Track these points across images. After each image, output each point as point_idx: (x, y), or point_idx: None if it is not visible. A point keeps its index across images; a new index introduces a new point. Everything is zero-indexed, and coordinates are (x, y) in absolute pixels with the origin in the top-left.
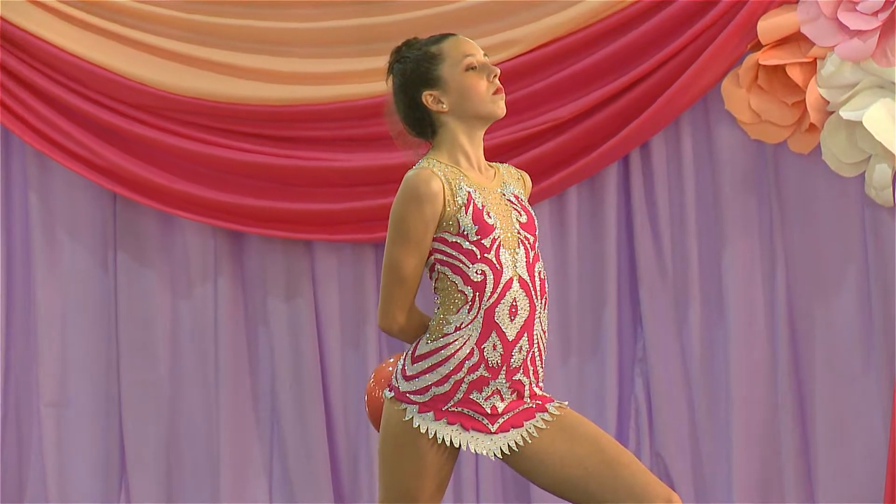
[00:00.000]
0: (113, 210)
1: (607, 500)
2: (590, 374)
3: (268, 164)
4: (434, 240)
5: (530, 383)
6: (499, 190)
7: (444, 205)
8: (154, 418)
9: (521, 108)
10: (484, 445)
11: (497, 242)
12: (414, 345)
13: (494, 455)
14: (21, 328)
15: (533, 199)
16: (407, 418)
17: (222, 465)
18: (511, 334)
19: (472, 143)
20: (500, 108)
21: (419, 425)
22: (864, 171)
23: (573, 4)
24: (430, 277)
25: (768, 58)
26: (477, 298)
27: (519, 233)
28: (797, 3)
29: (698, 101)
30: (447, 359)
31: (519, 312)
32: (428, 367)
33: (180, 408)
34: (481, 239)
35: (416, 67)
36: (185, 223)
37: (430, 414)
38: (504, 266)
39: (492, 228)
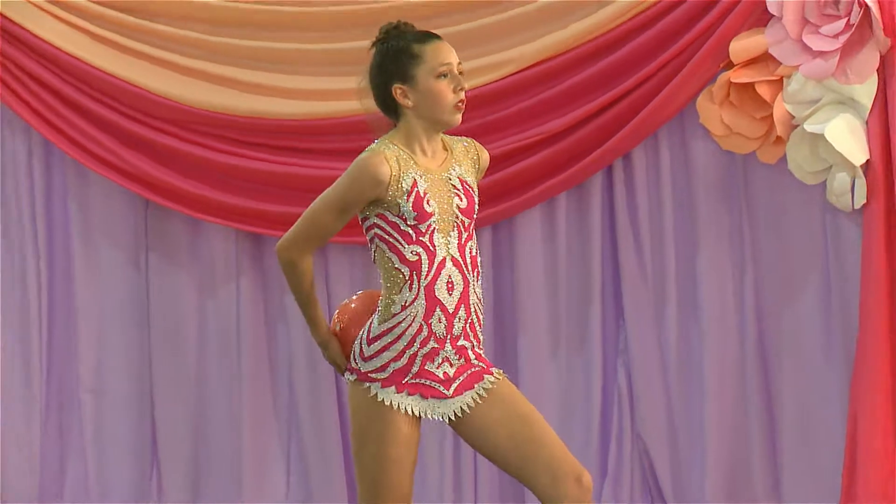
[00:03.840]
0: (144, 215)
1: (525, 472)
2: (577, 364)
3: (284, 172)
4: (376, 216)
5: (472, 346)
6: (445, 174)
7: (388, 189)
8: (182, 406)
9: (515, 122)
10: (441, 411)
11: (432, 228)
12: (367, 328)
13: (449, 419)
14: (62, 323)
15: (525, 205)
16: (372, 394)
17: (244, 449)
18: (451, 306)
19: (428, 139)
20: (457, 120)
21: (383, 399)
22: (826, 180)
23: (561, 28)
24: (370, 249)
25: (739, 76)
26: (415, 277)
27: (456, 217)
28: (766, 26)
29: (675, 115)
30: (399, 336)
31: (455, 287)
32: (383, 346)
33: (206, 396)
34: (418, 224)
35: (395, 58)
36: (210, 227)
37: (392, 388)
38: (437, 248)
39: (430, 216)
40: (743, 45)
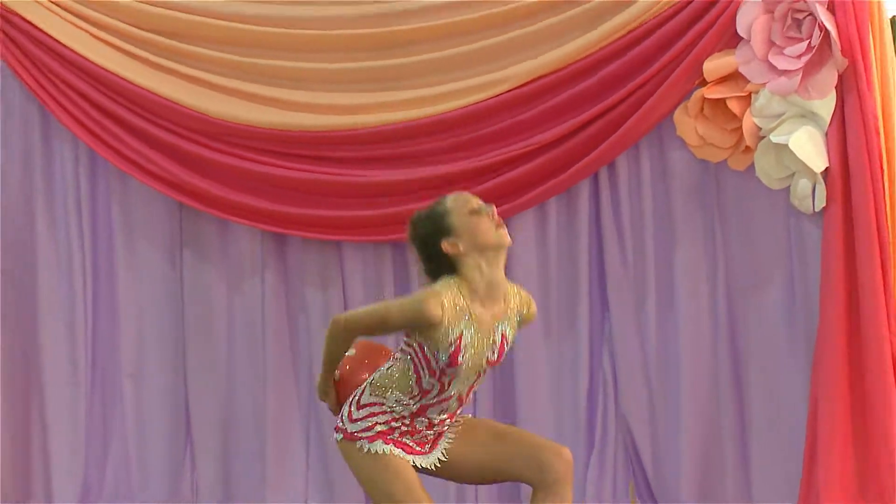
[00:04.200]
0: (179, 217)
1: (514, 471)
2: (567, 350)
3: (303, 178)
4: (416, 341)
5: (447, 423)
6: (493, 327)
7: (435, 329)
8: (212, 389)
9: (511, 134)
10: (425, 462)
11: (455, 377)
12: (359, 394)
13: (434, 466)
14: (106, 313)
15: (520, 209)
16: (364, 451)
17: (268, 426)
18: (436, 420)
19: (492, 270)
20: (506, 238)
21: (373, 450)
22: (790, 185)
23: (552, 50)
24: (401, 348)
25: (712, 92)
26: (420, 396)
27: (481, 367)
28: (735, 48)
29: (654, 128)
30: (386, 412)
31: (447, 411)
32: (370, 413)
33: (234, 380)
34: (445, 369)
35: (431, 224)
36: (238, 227)
37: (379, 441)
38: (450, 389)
39: (458, 367)
40: (715, 65)
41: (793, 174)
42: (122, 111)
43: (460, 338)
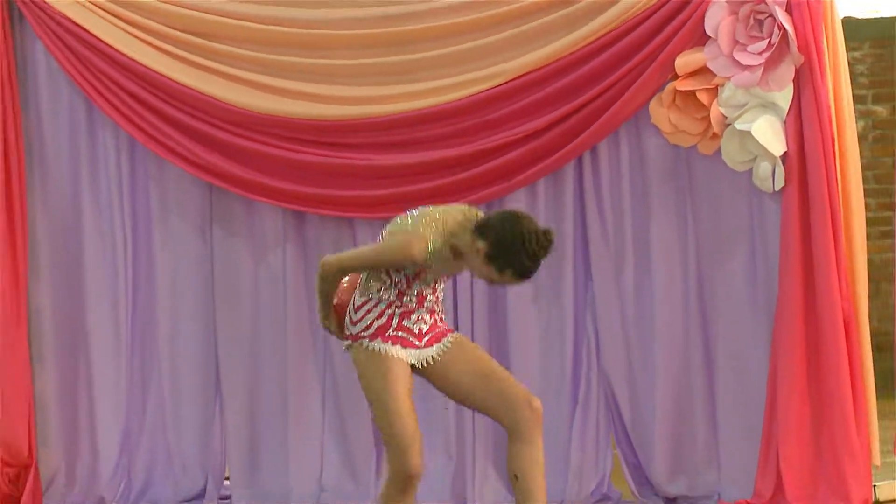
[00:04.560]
0: (209, 197)
1: (487, 405)
2: (554, 314)
3: (321, 162)
4: None
5: (439, 311)
6: (453, 271)
7: (414, 264)
8: (240, 350)
9: (505, 121)
10: (416, 357)
11: (418, 280)
12: (352, 300)
13: (421, 364)
14: (145, 283)
15: (514, 188)
16: (365, 347)
17: (289, 383)
18: (413, 304)
19: (463, 264)
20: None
21: (373, 348)
22: (752, 167)
23: (540, 48)
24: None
25: (683, 85)
26: (393, 286)
27: (435, 282)
28: (704, 45)
29: (632, 116)
30: (379, 302)
31: (422, 300)
32: (367, 310)
33: (258, 342)
34: (411, 275)
35: (503, 255)
36: (262, 206)
37: (379, 339)
38: (413, 286)
39: (422, 277)
40: (686, 61)
41: (755, 158)
42: (159, 103)
43: (430, 267)
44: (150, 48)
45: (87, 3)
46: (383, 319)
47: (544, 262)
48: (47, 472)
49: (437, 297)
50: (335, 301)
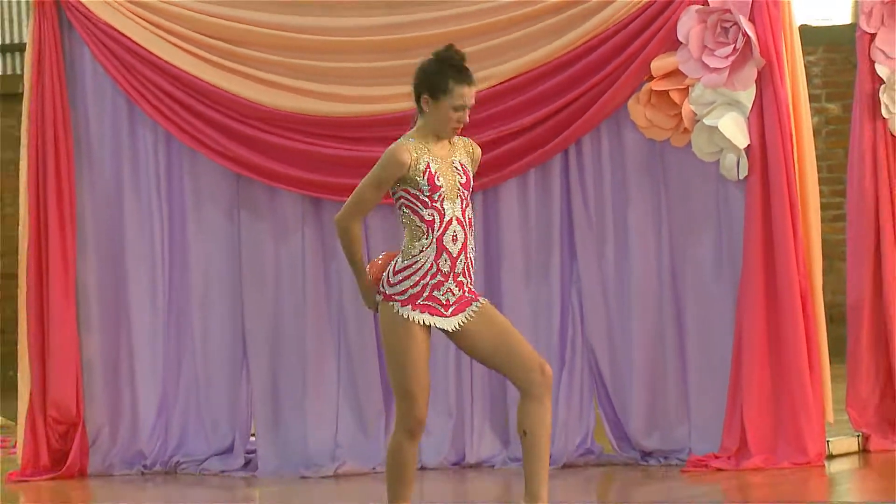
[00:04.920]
0: (237, 185)
1: (505, 367)
2: (543, 289)
3: (337, 154)
4: (402, 189)
5: (467, 282)
6: (450, 159)
7: (409, 170)
8: (263, 320)
9: (497, 119)
10: (443, 324)
11: (442, 196)
12: (393, 263)
13: (449, 331)
14: (179, 261)
15: (506, 177)
16: (395, 311)
17: (307, 348)
18: (454, 252)
19: (437, 135)
20: (451, 136)
21: (402, 313)
22: (719, 158)
23: (530, 52)
24: (397, 215)
25: (658, 85)
26: (430, 231)
27: (459, 189)
28: (677, 50)
29: (612, 113)
30: (416, 271)
31: (458, 239)
32: (404, 277)
33: (280, 312)
34: (432, 194)
35: (434, 78)
36: (284, 193)
37: (409, 306)
38: (446, 211)
39: (439, 188)
40: (660, 64)
41: (721, 150)
42: (192, 102)
43: (428, 166)
44: (184, 53)
45: (129, 14)
46: (417, 289)
47: (532, 239)
48: (93, 429)
49: (470, 261)
50: (371, 277)
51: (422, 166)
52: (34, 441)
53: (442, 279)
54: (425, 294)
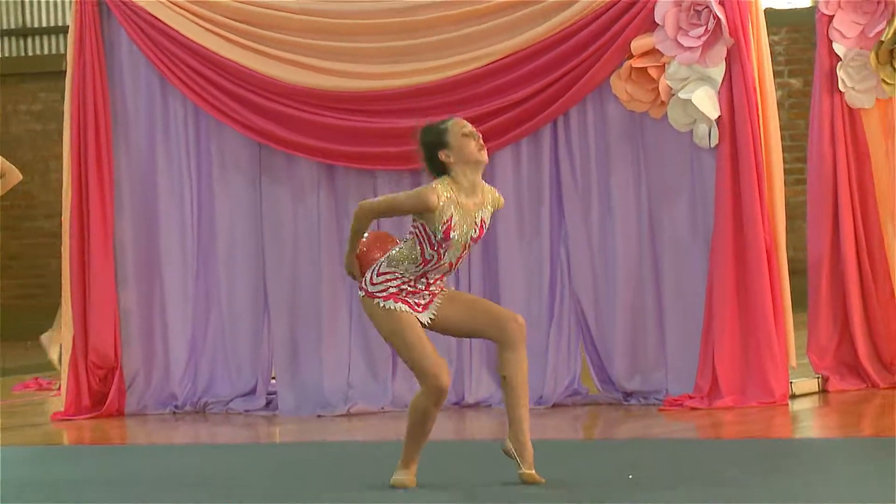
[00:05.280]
0: (259, 153)
1: (481, 331)
2: (534, 247)
3: (348, 125)
4: (420, 222)
5: (439, 287)
6: (475, 213)
7: (434, 213)
8: (283, 275)
9: (492, 94)
10: (422, 318)
11: (448, 247)
12: (378, 266)
13: (427, 322)
14: (207, 222)
15: (501, 146)
16: (381, 306)
17: (322, 302)
18: (433, 278)
19: (473, 176)
20: (484, 157)
21: (387, 306)
22: (693, 128)
23: (522, 33)
24: (408, 231)
25: (637, 63)
26: (423, 263)
27: (466, 243)
28: (654, 31)
29: (596, 88)
30: (397, 278)
31: (440, 272)
32: (385, 280)
33: (298, 269)
34: (441, 241)
35: (434, 136)
36: (301, 160)
37: (391, 300)
38: (444, 257)
39: (449, 242)
40: (640, 43)
41: (695, 121)
42: (219, 78)
43: (450, 218)
44: (212, 35)
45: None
46: (395, 290)
47: (524, 201)
48: (129, 373)
49: (444, 281)
50: (358, 251)
51: (445, 217)
52: (76, 384)
53: (418, 291)
54: (402, 295)
